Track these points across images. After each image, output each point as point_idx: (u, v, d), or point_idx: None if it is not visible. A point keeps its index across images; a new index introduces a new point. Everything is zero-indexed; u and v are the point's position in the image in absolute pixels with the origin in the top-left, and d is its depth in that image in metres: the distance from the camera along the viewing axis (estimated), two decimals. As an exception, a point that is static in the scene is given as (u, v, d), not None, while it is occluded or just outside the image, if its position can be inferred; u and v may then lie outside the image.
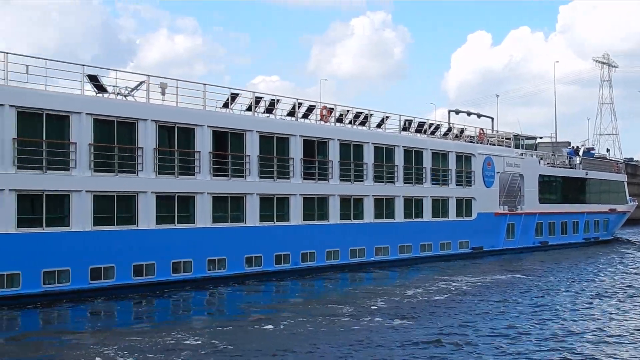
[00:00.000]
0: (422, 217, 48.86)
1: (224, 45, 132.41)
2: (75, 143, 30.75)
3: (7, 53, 29.61)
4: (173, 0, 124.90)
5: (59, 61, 31.58)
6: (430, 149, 49.89)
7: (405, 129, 50.07)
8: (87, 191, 31.06)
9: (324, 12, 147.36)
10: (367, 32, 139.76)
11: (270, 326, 24.94)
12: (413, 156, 48.41)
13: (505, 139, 61.00)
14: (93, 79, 32.72)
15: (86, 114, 31.17)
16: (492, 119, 67.35)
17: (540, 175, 61.56)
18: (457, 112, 68.43)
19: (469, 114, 68.17)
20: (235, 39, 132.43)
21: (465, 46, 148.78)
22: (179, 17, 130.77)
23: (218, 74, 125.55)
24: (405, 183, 47.62)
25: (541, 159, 63.80)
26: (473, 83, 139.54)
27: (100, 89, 33.06)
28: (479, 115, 67.36)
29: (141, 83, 34.29)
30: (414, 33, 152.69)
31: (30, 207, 29.69)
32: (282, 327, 24.99)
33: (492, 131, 62.97)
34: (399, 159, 47.19)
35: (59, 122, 30.51)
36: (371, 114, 46.51)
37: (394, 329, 25.15)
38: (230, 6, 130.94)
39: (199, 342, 22.45)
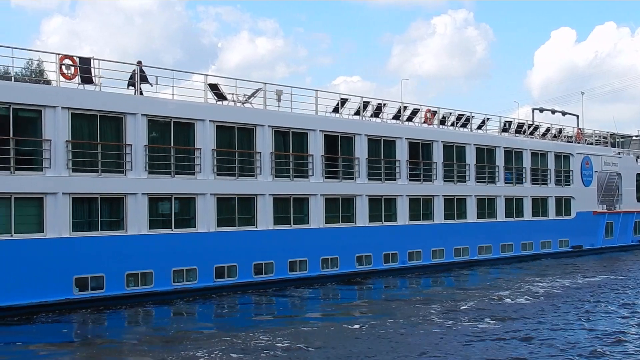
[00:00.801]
0: (522, 217, 49.30)
1: (305, 47, 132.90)
2: (200, 149, 32.20)
3: (141, 65, 31.36)
4: (254, 1, 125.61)
5: (182, 71, 33.27)
6: (530, 149, 50.25)
7: (505, 129, 50.59)
8: (211, 194, 32.48)
9: (404, 12, 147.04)
10: (449, 31, 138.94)
11: (356, 326, 25.05)
12: (513, 157, 48.87)
13: (602, 138, 60.74)
14: (213, 88, 34.12)
15: (209, 121, 32.61)
16: (577, 116, 66.86)
17: (638, 174, 61.18)
18: (542, 110, 67.97)
19: (553, 111, 67.77)
20: (317, 40, 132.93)
21: (548, 43, 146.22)
22: (260, 19, 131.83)
23: (300, 76, 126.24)
24: (506, 183, 48.11)
25: (638, 157, 63.31)
26: (557, 80, 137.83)
27: (220, 97, 34.44)
28: (564, 113, 66.86)
29: (258, 90, 35.61)
30: (496, 31, 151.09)
31: (160, 209, 31.21)
32: (366, 327, 24.92)
33: (577, 129, 62.52)
34: (499, 159, 47.71)
35: (185, 129, 32.01)
36: (472, 116, 47.09)
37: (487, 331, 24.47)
38: (311, 7, 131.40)
39: (319, 343, 23.39)
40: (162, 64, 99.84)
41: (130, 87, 31.39)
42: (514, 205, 48.56)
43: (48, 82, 27.17)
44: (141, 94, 31.78)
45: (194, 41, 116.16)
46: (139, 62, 32.02)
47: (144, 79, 31.81)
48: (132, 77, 31.54)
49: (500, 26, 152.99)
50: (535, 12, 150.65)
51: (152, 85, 31.94)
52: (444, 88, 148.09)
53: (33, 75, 52.83)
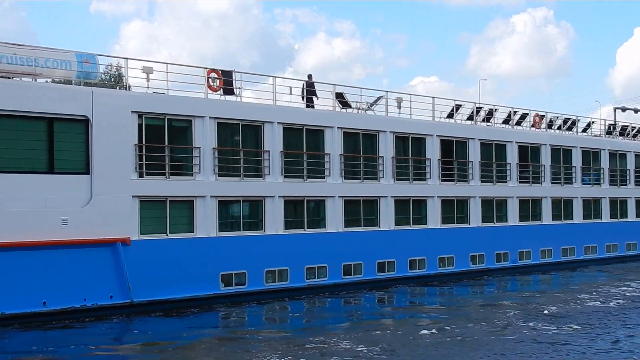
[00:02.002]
0: (626, 217, 49.98)
1: (382, 48, 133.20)
2: (329, 154, 34.02)
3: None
4: (331, 2, 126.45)
5: (299, 79, 35.09)
6: (634, 152, 50.88)
7: (609, 132, 51.30)
8: (339, 196, 34.28)
9: (482, 10, 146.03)
10: (529, 30, 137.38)
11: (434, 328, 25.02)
12: (617, 158, 49.61)
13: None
14: (339, 96, 35.87)
15: (337, 127, 34.41)
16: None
17: None
18: (624, 109, 67.77)
19: (635, 111, 67.61)
20: (394, 41, 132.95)
21: (631, 40, 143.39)
22: (336, 20, 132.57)
23: (376, 77, 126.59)
24: (610, 185, 48.91)
25: None
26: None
27: (345, 104, 36.18)
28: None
29: (379, 98, 37.26)
30: (577, 29, 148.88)
31: (294, 211, 33.13)
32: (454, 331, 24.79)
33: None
34: (604, 162, 48.55)
35: (316, 136, 33.87)
36: (578, 119, 48.05)
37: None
38: (388, 8, 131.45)
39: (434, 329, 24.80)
40: (239, 67, 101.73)
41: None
42: (618, 207, 49.31)
43: (128, 88, 29.37)
44: (312, 106, 34.67)
45: (271, 43, 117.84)
46: (309, 76, 34.90)
47: (311, 92, 34.58)
48: (303, 90, 34.55)
49: (581, 24, 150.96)
50: (617, 10, 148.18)
51: (317, 99, 35.00)
52: (523, 88, 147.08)
53: (112, 80, 55.58)
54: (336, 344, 22.23)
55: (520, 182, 42.97)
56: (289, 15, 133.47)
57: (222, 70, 31.63)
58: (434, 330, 24.35)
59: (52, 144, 26.27)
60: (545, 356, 20.67)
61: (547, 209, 44.35)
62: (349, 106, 36.35)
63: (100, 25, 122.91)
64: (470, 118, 41.74)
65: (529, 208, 43.50)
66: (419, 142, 37.93)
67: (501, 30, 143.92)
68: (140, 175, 28.35)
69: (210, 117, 30.16)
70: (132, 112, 28.11)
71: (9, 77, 26.25)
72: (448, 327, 24.91)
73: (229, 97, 31.77)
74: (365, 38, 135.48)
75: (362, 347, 21.70)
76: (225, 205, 30.87)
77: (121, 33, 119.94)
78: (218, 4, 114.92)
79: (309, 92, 34.84)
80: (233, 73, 31.89)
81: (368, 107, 37.07)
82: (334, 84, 35.70)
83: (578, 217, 46.40)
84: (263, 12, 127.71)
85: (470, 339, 23.08)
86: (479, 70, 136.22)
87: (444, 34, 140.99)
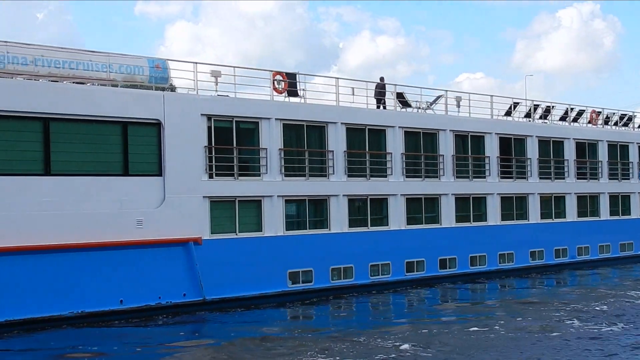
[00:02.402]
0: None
1: (427, 45, 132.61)
2: (391, 153, 34.41)
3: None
4: (375, 1, 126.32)
5: (363, 81, 35.65)
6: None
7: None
8: (401, 195, 34.65)
9: (528, 6, 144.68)
10: (575, 24, 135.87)
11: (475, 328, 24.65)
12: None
13: None
14: (399, 96, 36.22)
15: (399, 127, 34.78)
16: None
17: None
18: None
19: None
20: (438, 38, 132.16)
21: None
22: (380, 18, 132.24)
23: (422, 74, 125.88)
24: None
25: None
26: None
27: (405, 104, 36.52)
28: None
29: (439, 97, 37.55)
30: (624, 23, 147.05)
31: (357, 210, 33.56)
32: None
33: None
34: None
35: (377, 135, 34.29)
36: (634, 115, 47.92)
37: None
38: (433, 5, 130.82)
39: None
40: (283, 66, 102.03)
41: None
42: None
43: (173, 89, 29.86)
44: (385, 107, 35.34)
45: (315, 42, 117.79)
46: (381, 79, 35.66)
47: (381, 94, 35.30)
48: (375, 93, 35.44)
49: (628, 18, 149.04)
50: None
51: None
52: (570, 83, 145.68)
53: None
54: (392, 342, 22.45)
55: (577, 179, 42.94)
56: (333, 14, 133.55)
57: (286, 73, 32.15)
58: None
59: (127, 147, 26.97)
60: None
61: (604, 204, 44.32)
62: (409, 106, 36.66)
63: (145, 26, 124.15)
64: (527, 115, 41.82)
65: (587, 204, 43.49)
66: (478, 140, 38.12)
67: (547, 25, 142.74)
68: (210, 176, 28.98)
69: (276, 119, 30.69)
70: (201, 115, 28.74)
71: (84, 83, 27.01)
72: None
73: (292, 99, 32.28)
74: (410, 35, 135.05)
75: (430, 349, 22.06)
76: (291, 204, 31.38)
77: (166, 34, 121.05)
78: (262, 4, 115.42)
79: (380, 93, 35.30)
80: (297, 75, 32.39)
81: (427, 107, 37.35)
82: (395, 84, 36.09)
83: (636, 212, 46.31)
84: (307, 11, 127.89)
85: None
86: (524, 65, 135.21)
87: (489, 30, 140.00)
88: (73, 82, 26.53)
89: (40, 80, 25.87)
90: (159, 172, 27.61)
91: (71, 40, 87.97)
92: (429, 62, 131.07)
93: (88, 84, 27.21)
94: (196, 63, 29.40)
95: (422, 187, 35.54)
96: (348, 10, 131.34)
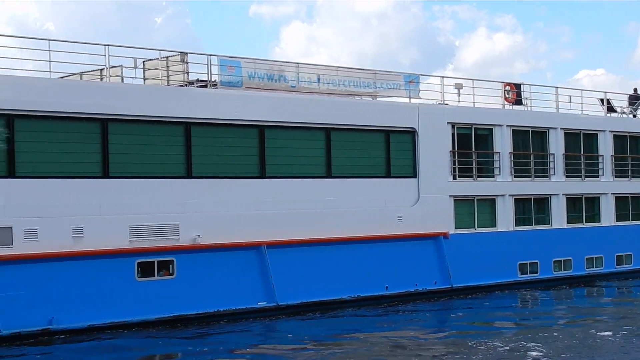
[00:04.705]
0: None
1: (545, 41, 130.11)
2: (603, 155, 36.86)
3: (557, 87, 37.36)
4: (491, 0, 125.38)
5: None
6: None
7: None
8: (611, 193, 37.07)
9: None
10: None
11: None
12: None
13: None
14: (607, 102, 38.49)
15: (608, 131, 37.20)
16: None
17: None
18: None
19: None
20: (557, 34, 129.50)
21: None
22: (497, 15, 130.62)
23: (540, 72, 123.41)
24: None
25: None
26: None
27: (611, 109, 38.70)
28: None
29: (642, 100, 39.49)
30: None
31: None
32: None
33: None
34: None
35: (590, 139, 36.76)
36: None
37: None
38: (551, 2, 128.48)
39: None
40: (398, 65, 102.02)
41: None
42: None
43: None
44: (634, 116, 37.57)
45: (431, 41, 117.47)
46: (635, 90, 37.82)
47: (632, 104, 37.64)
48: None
49: None
50: None
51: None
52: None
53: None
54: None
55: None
56: (448, 12, 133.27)
57: (514, 83, 34.92)
58: None
59: (389, 152, 30.32)
60: None
61: None
62: (614, 111, 38.77)
63: (260, 27, 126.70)
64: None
65: None
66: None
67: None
68: (454, 177, 32.05)
69: (507, 126, 33.50)
70: (447, 123, 31.82)
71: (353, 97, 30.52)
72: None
73: (516, 107, 35.06)
74: (528, 32, 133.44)
75: None
76: (519, 202, 34.13)
77: (281, 35, 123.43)
78: (377, 4, 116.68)
79: (634, 104, 37.49)
80: (521, 85, 35.11)
81: (631, 111, 39.36)
82: (603, 92, 38.33)
83: None
84: (422, 10, 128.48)
85: None
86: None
87: (611, 25, 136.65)
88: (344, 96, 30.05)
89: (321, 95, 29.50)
90: (414, 174, 30.80)
91: (189, 42, 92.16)
92: (547, 58, 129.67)
93: (355, 98, 30.68)
94: (442, 77, 32.53)
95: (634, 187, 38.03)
96: (464, 8, 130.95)
